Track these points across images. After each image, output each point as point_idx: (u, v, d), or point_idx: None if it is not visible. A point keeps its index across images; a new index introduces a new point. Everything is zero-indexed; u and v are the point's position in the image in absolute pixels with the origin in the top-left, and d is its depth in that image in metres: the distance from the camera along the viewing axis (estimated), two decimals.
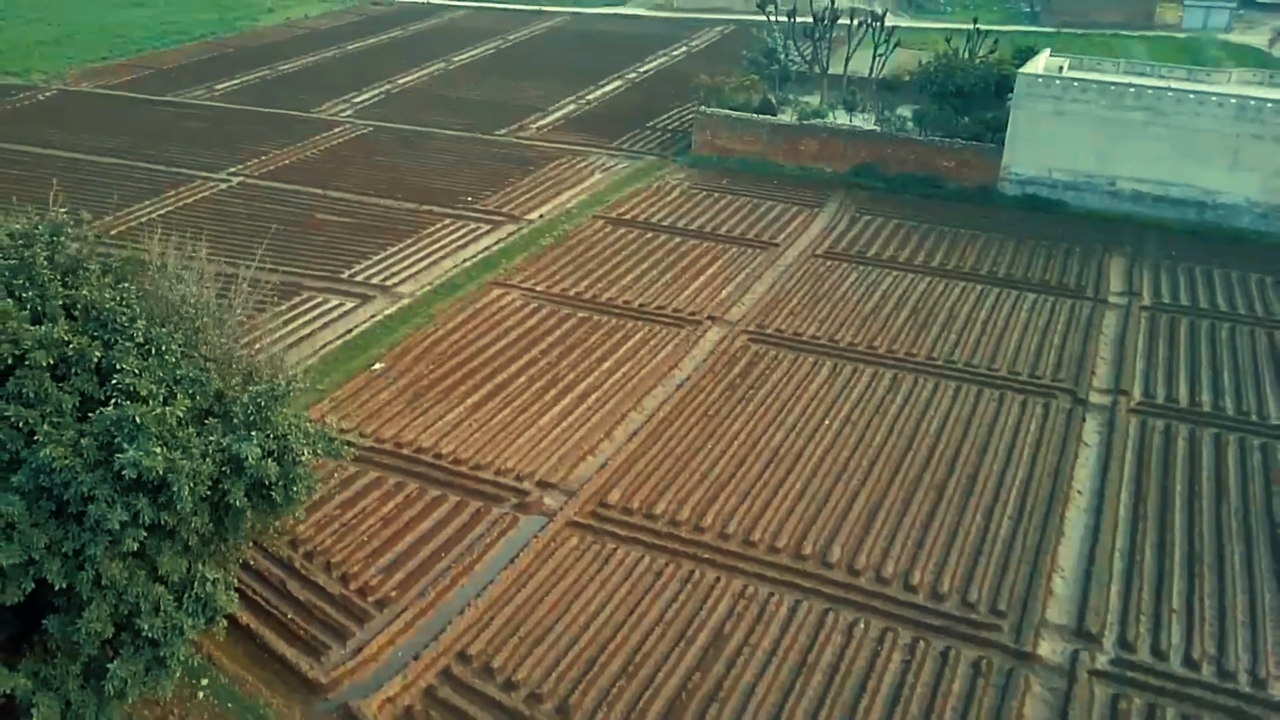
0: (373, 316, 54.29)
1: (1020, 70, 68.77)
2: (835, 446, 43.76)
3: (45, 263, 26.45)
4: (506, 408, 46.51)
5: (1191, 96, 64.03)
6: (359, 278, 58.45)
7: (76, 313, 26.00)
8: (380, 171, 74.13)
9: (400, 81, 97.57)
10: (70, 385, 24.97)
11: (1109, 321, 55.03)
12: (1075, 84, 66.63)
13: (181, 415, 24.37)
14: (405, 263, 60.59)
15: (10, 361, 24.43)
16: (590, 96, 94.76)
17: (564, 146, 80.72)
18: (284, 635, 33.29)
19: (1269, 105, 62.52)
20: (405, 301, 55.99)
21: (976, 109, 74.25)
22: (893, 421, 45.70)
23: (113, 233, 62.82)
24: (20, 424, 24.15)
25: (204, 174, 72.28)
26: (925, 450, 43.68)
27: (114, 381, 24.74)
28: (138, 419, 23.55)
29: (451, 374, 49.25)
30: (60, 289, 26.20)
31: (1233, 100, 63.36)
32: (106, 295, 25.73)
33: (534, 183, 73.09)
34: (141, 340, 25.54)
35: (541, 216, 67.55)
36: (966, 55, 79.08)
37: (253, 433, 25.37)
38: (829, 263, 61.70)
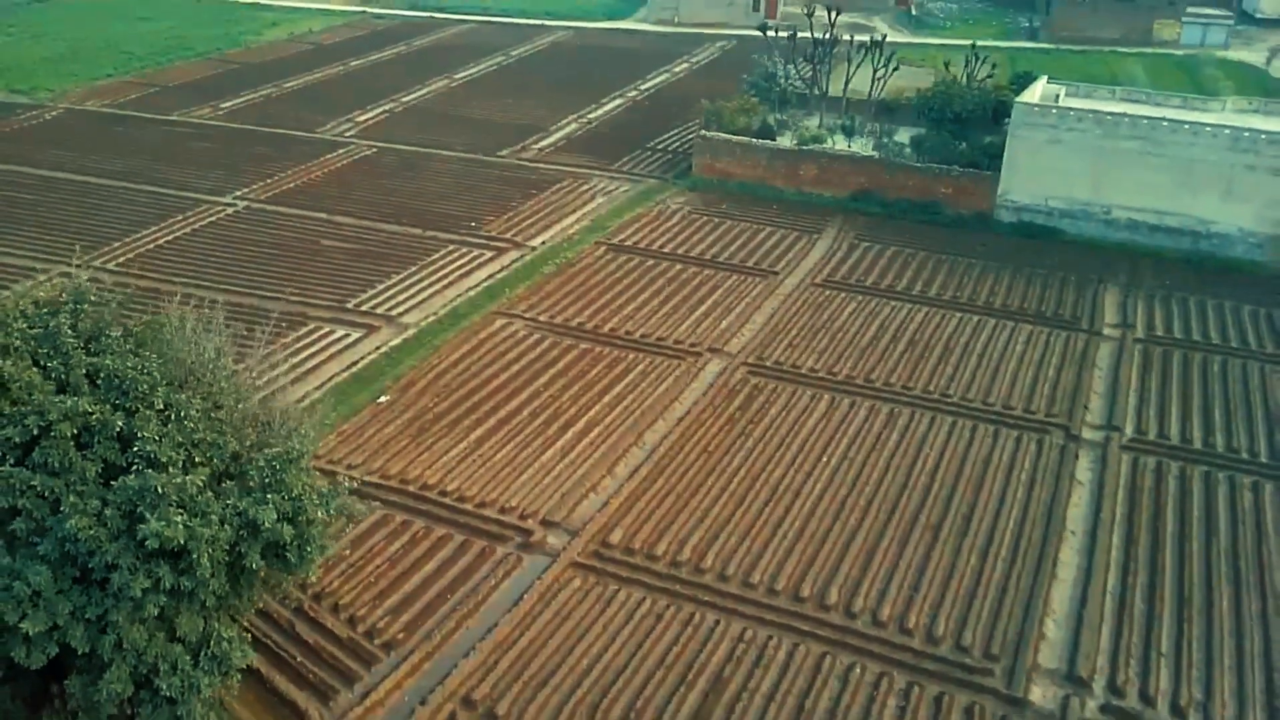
0: (378, 348, 55.10)
1: (1017, 99, 69.62)
2: (833, 483, 44.61)
3: (69, 331, 27.32)
4: (510, 442, 47.34)
5: (1186, 127, 64.89)
6: (364, 307, 59.25)
7: (100, 380, 26.85)
8: (384, 195, 74.96)
9: (404, 99, 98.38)
10: (93, 453, 25.84)
11: (1103, 354, 55.88)
12: (1071, 113, 67.52)
13: (201, 484, 25.23)
14: (410, 291, 61.40)
15: (36, 432, 25.31)
16: (592, 115, 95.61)
17: (566, 169, 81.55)
18: (293, 679, 34.11)
19: (1263, 136, 63.39)
20: (410, 332, 56.81)
21: (974, 134, 75.08)
22: (889, 457, 46.56)
23: (122, 260, 63.57)
24: (46, 492, 25.01)
25: (210, 198, 73.08)
26: (921, 487, 44.53)
27: (135, 448, 25.62)
28: (159, 488, 24.42)
29: (456, 407, 50.07)
30: (84, 357, 27.08)
31: (1227, 131, 64.22)
32: (128, 364, 26.58)
33: (537, 207, 73.92)
34: (161, 407, 26.42)
35: (544, 243, 68.38)
36: (965, 79, 79.88)
37: (268, 495, 26.25)
38: (828, 292, 62.55)
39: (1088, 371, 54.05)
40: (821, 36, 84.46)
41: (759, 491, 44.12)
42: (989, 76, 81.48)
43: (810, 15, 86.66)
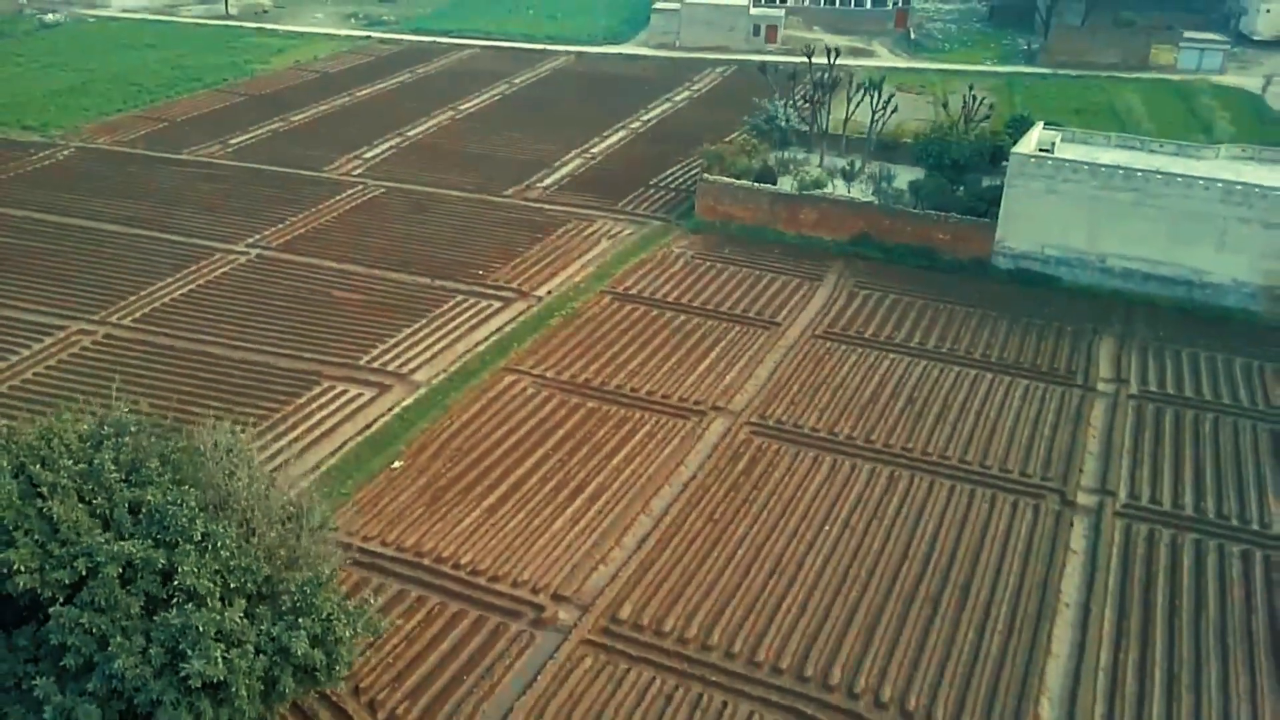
0: (390, 409, 56.48)
1: (1013, 150, 70.96)
2: (835, 554, 46.05)
3: (112, 465, 28.77)
4: (521, 511, 48.78)
5: (1179, 180, 66.20)
6: (376, 364, 60.64)
7: (142, 515, 28.31)
8: (393, 241, 76.30)
9: (410, 134, 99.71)
10: (136, 587, 27.30)
11: (1097, 412, 57.30)
12: (1067, 164, 68.88)
13: (239, 620, 26.71)
14: (420, 346, 62.77)
15: (84, 573, 26.80)
16: (595, 150, 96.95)
17: (571, 210, 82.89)
18: None
19: (1256, 190, 64.74)
20: (422, 391, 58.19)
21: (972, 178, 76.42)
22: (890, 525, 47.99)
23: (138, 314, 64.92)
24: (93, 629, 26.48)
25: (222, 246, 74.43)
26: (921, 556, 45.97)
27: (176, 582, 27.10)
28: (200, 627, 25.88)
29: (468, 472, 51.50)
30: (126, 492, 28.53)
31: (1219, 184, 65.57)
32: (168, 498, 28.04)
33: (542, 252, 75.28)
34: (199, 538, 27.89)
35: (550, 292, 69.74)
36: (963, 121, 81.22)
37: (299, 620, 27.70)
38: (828, 344, 63.93)
39: (1082, 431, 55.42)
40: (821, 76, 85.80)
41: (763, 563, 45.53)
42: (986, 118, 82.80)
43: (810, 56, 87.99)
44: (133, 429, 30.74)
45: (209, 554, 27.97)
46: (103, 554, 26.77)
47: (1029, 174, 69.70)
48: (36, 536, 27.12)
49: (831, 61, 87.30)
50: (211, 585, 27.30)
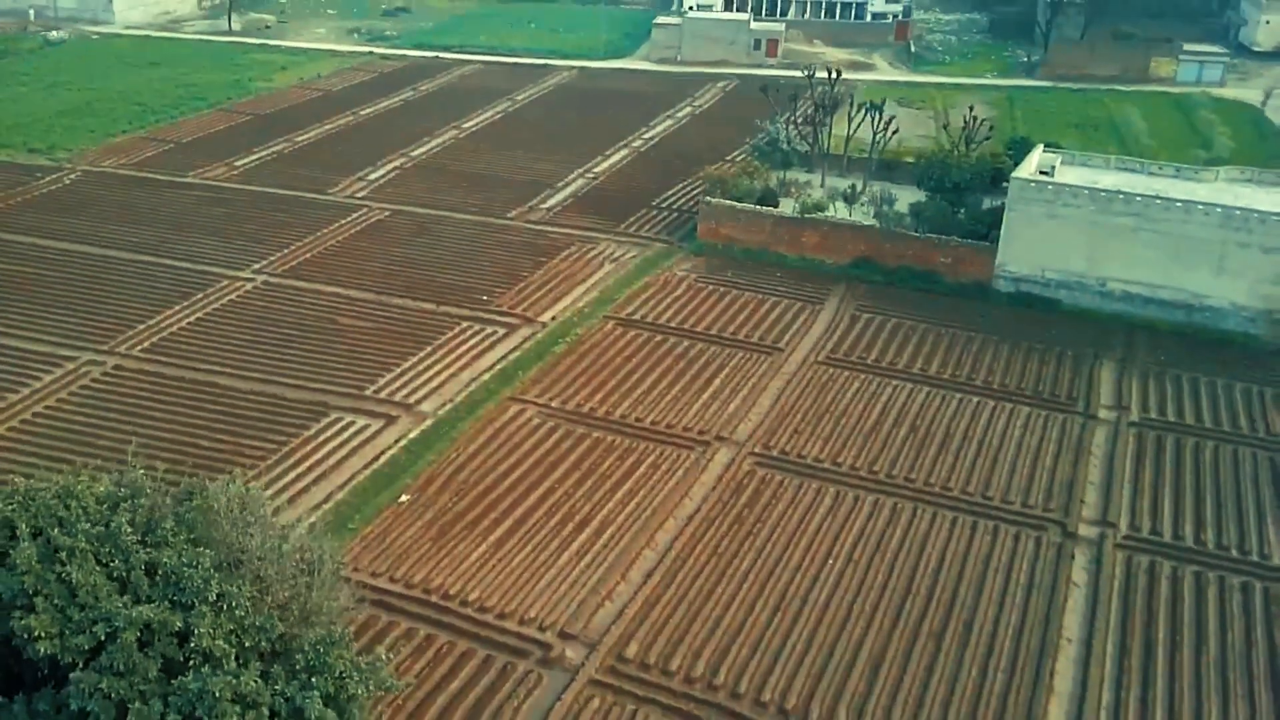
0: (397, 441, 57.00)
1: (1013, 175, 71.47)
2: (839, 589, 46.55)
3: (128, 527, 29.33)
4: (528, 545, 49.31)
5: (1179, 205, 66.66)
6: (382, 394, 61.14)
7: (158, 577, 28.88)
8: (398, 266, 76.83)
9: (413, 154, 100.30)
10: (154, 650, 27.85)
11: (1098, 440, 57.79)
12: (1066, 189, 69.38)
13: (255, 683, 27.25)
14: (426, 375, 63.30)
15: (103, 638, 27.36)
16: (598, 169, 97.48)
17: (574, 232, 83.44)
18: None
19: (1255, 215, 65.23)
20: (428, 423, 58.70)
21: (973, 200, 76.92)
22: (893, 560, 48.48)
23: (146, 344, 65.44)
24: (112, 693, 27.03)
25: (229, 273, 74.97)
26: (924, 591, 46.47)
27: (192, 644, 27.66)
28: (216, 692, 26.43)
29: (474, 506, 52.03)
30: (142, 555, 29.10)
31: (1219, 210, 66.06)
32: (183, 560, 28.60)
33: (546, 276, 75.81)
34: (214, 598, 28.45)
35: (554, 318, 70.26)
36: (963, 142, 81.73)
37: (313, 679, 28.24)
38: (831, 370, 64.44)
39: (1083, 460, 55.92)
40: (822, 97, 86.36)
41: (768, 598, 46.03)
42: (986, 138, 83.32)
43: (810, 76, 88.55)
44: (148, 490, 31.28)
45: (224, 614, 28.53)
46: (121, 619, 27.34)
47: (1029, 199, 70.20)
48: (56, 601, 27.69)
49: (833, 81, 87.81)
50: (227, 646, 27.86)
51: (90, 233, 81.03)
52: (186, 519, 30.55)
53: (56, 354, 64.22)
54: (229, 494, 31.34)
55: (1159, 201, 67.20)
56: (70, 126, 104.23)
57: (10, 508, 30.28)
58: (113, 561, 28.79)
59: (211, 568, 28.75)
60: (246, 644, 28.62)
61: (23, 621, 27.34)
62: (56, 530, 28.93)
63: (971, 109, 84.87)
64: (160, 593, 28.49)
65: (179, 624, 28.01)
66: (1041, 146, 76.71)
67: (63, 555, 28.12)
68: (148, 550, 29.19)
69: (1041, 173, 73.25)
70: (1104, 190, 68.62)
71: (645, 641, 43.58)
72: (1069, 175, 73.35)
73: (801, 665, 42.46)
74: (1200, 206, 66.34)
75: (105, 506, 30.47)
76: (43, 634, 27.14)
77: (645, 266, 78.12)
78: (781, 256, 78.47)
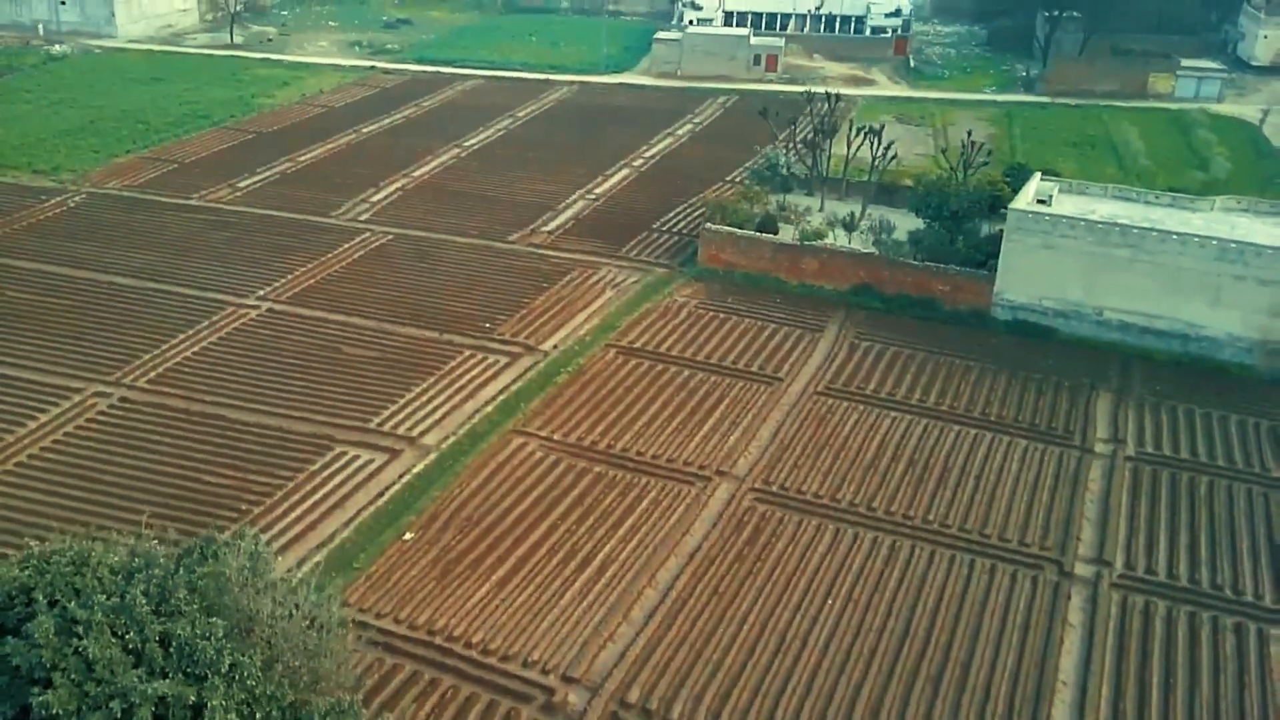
0: (401, 476, 57.66)
1: (1011, 206, 72.13)
2: (839, 630, 47.25)
3: (143, 599, 30.00)
4: (530, 584, 49.97)
5: (1175, 237, 67.30)
6: (386, 426, 61.78)
7: (172, 649, 29.55)
8: (401, 291, 77.46)
9: (415, 174, 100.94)
10: None
11: (1094, 475, 58.47)
12: (1064, 220, 70.02)
13: None
14: (430, 406, 63.94)
15: (119, 715, 28.04)
16: (598, 190, 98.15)
17: (575, 257, 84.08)
18: None
19: (1250, 248, 65.85)
20: (431, 457, 59.34)
21: (970, 227, 77.56)
22: (891, 600, 49.17)
23: (152, 375, 66.07)
24: None
25: (233, 300, 75.56)
26: (922, 634, 47.14)
27: (206, 717, 28.34)
28: None
29: (478, 543, 52.71)
30: (156, 625, 29.77)
31: (1214, 242, 66.71)
32: (197, 631, 29.28)
33: (548, 303, 76.43)
34: (227, 669, 29.14)
35: (556, 346, 70.91)
36: (962, 168, 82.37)
37: None
38: (830, 401, 65.11)
39: (1079, 495, 56.62)
40: (821, 121, 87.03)
41: (768, 640, 46.73)
42: (984, 164, 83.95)
43: (810, 100, 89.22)
44: (161, 559, 31.96)
45: (235, 684, 29.19)
46: (137, 694, 27.99)
47: (1027, 229, 70.87)
48: (74, 676, 28.36)
49: (831, 106, 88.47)
50: (238, 719, 28.51)
51: (96, 258, 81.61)
52: (199, 585, 31.22)
53: (65, 386, 64.83)
54: (239, 558, 31.95)
55: (1155, 233, 67.86)
56: (74, 146, 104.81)
57: (26, 573, 30.95)
58: (128, 634, 29.44)
59: (224, 637, 29.41)
60: (258, 715, 29.28)
61: (41, 698, 28.00)
62: (73, 603, 29.61)
63: (970, 134, 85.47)
64: (174, 665, 29.16)
65: (193, 697, 28.68)
66: (1039, 175, 77.31)
67: (79, 629, 28.78)
68: (162, 621, 29.86)
69: (1039, 201, 73.88)
70: (1100, 222, 69.26)
71: (647, 685, 44.25)
72: (1066, 204, 73.98)
73: (802, 710, 43.13)
74: (1196, 239, 66.97)
75: (120, 577, 31.13)
76: (60, 710, 27.82)
77: (647, 292, 78.75)
78: (782, 282, 79.11)
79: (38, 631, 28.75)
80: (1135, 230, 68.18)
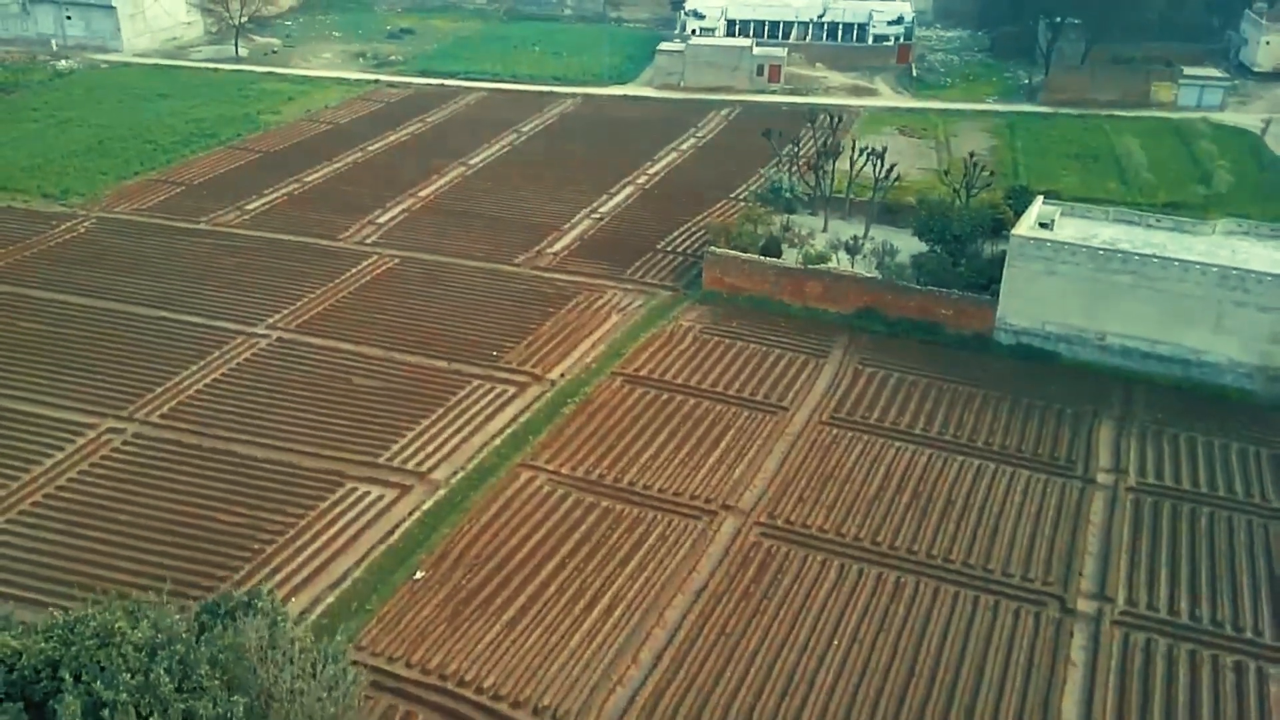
0: (411, 513, 58.49)
1: (1012, 232, 72.69)
2: (845, 671, 48.06)
3: (166, 676, 30.82)
4: (540, 625, 50.80)
5: (1176, 264, 67.86)
6: (396, 461, 62.60)
7: None
8: (408, 318, 78.18)
9: (421, 194, 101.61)
10: None
11: (1096, 507, 59.19)
12: (1065, 247, 70.57)
13: None
14: (439, 439, 64.74)
15: None
16: (603, 209, 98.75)
17: (580, 280, 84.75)
18: None
19: (1251, 275, 66.42)
20: (441, 493, 60.14)
21: (973, 250, 78.18)
22: (896, 638, 49.97)
23: (165, 409, 66.90)
24: None
25: (243, 329, 76.33)
26: (927, 675, 47.95)
27: None
28: None
29: (488, 582, 53.55)
30: (179, 704, 30.60)
31: (1215, 269, 67.25)
32: (218, 710, 30.09)
33: (555, 328, 77.15)
34: None
35: (563, 375, 71.66)
36: (964, 190, 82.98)
37: None
38: (834, 431, 65.83)
39: (1081, 528, 57.37)
40: (824, 143, 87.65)
41: (775, 681, 47.55)
42: (987, 185, 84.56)
43: (813, 123, 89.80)
44: (184, 633, 32.76)
45: None
46: None
47: (1028, 255, 71.47)
48: None
49: (834, 127, 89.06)
50: None
51: (108, 286, 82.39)
52: (220, 660, 32.01)
53: (79, 421, 65.69)
54: (258, 625, 32.73)
55: (1156, 260, 68.38)
56: (83, 168, 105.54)
57: (52, 645, 31.77)
58: (152, 713, 30.27)
59: (244, 715, 30.23)
60: None
61: None
62: (99, 682, 30.42)
63: (972, 155, 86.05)
64: None
65: None
66: (1041, 198, 77.79)
67: (105, 713, 29.60)
68: (184, 698, 30.67)
69: (1041, 225, 74.42)
70: (1102, 248, 69.81)
71: None
72: (1068, 227, 74.54)
73: None
74: (1198, 266, 67.51)
75: (143, 654, 31.93)
76: None
77: (652, 317, 79.44)
78: (786, 306, 79.78)
79: (65, 713, 29.58)
80: (1136, 257, 68.77)
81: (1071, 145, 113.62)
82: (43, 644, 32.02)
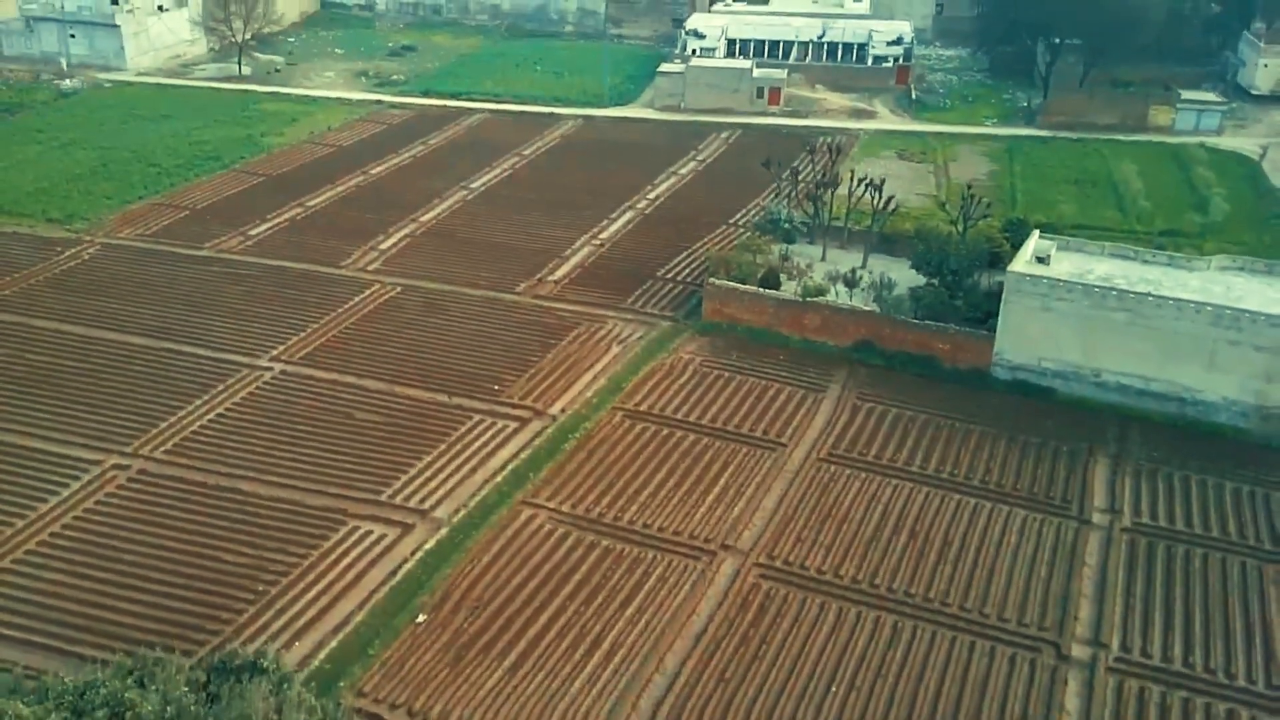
0: (414, 553, 59.13)
1: (1009, 269, 73.34)
2: (843, 719, 48.57)
3: None
4: (541, 671, 51.47)
5: (1171, 303, 68.49)
6: (398, 498, 63.22)
7: None
8: (410, 350, 78.76)
9: (423, 219, 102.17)
10: None
11: (1091, 548, 59.88)
12: (1061, 284, 71.22)
13: None
14: (440, 476, 65.40)
15: None
16: (603, 235, 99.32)
17: (581, 310, 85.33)
18: None
19: (1245, 315, 67.06)
20: (443, 532, 60.75)
21: (971, 284, 78.78)
22: (893, 685, 50.65)
23: (169, 445, 67.53)
24: None
25: (246, 361, 76.95)
26: None
27: None
28: None
29: (489, 626, 54.19)
30: None
31: (1209, 309, 67.87)
32: None
33: (556, 360, 77.76)
34: None
35: (564, 409, 72.24)
36: (962, 221, 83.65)
37: None
38: (832, 468, 66.47)
39: (1077, 570, 58.05)
40: (822, 174, 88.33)
41: None
42: (985, 216, 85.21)
43: (811, 152, 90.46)
44: (192, 707, 33.41)
45: None
46: None
47: (1025, 292, 72.13)
48: None
49: (833, 158, 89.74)
50: None
51: (112, 315, 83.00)
52: None
53: (84, 458, 66.34)
54: (264, 694, 33.36)
55: (1151, 298, 69.00)
56: (86, 192, 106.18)
57: (63, 716, 32.39)
58: None
59: None
60: None
61: None
62: None
63: (970, 187, 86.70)
64: None
65: None
66: (1038, 232, 78.47)
67: None
68: None
69: (1038, 259, 75.05)
70: (1097, 285, 70.45)
71: None
72: (1064, 262, 75.18)
73: None
74: (1192, 305, 68.15)
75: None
76: None
77: (652, 348, 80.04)
78: (785, 338, 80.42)
79: None
80: (1132, 295, 69.42)
81: (1070, 171, 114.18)
82: (54, 714, 32.62)
